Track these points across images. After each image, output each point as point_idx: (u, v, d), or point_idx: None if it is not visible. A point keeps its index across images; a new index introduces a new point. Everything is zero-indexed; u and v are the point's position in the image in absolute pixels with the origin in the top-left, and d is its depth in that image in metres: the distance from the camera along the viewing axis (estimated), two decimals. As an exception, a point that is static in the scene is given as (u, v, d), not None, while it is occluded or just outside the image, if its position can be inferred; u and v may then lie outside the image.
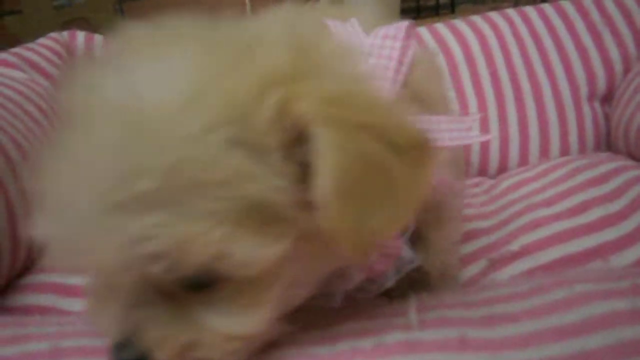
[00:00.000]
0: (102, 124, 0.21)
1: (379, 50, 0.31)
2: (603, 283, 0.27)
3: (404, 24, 0.31)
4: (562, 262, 0.37)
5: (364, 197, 0.21)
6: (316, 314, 0.28)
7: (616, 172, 0.44)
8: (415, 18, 1.05)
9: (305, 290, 0.26)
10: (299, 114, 0.20)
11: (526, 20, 0.58)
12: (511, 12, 0.60)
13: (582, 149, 0.54)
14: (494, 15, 0.60)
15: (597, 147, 0.54)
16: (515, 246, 0.40)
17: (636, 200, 0.40)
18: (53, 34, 0.60)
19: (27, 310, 0.39)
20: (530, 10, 0.59)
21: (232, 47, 0.23)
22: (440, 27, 0.60)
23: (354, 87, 0.24)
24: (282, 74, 0.22)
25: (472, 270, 0.39)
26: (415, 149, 0.22)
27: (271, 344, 0.25)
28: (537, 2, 1.13)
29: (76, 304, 0.39)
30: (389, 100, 0.28)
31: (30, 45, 0.57)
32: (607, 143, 0.55)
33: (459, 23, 0.60)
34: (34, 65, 0.55)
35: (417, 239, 0.32)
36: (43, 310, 0.39)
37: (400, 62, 0.30)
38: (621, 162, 0.46)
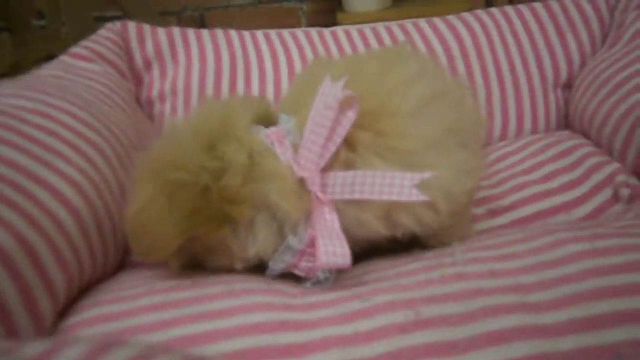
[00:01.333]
0: None
1: (321, 117, 0.39)
2: (573, 232, 0.42)
3: (338, 94, 0.38)
4: (539, 215, 0.52)
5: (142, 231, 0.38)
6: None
7: (575, 148, 0.60)
8: None
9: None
10: None
11: (508, 20, 0.71)
12: (496, 12, 0.73)
13: (548, 128, 0.69)
14: (482, 14, 0.73)
15: (559, 126, 0.70)
16: (506, 202, 0.54)
17: (589, 169, 0.56)
18: (109, 25, 0.68)
19: (151, 266, 0.50)
20: (510, 11, 0.72)
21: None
22: (438, 22, 0.73)
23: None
24: None
25: (476, 212, 0.53)
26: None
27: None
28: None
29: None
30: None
31: (94, 37, 0.65)
32: (565, 123, 0.70)
33: (454, 19, 0.73)
34: (102, 57, 0.62)
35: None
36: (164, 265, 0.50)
37: (332, 131, 0.38)
38: (578, 140, 0.62)
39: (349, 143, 0.40)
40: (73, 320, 0.37)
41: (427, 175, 0.38)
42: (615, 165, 0.56)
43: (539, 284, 0.36)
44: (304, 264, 0.41)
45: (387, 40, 0.72)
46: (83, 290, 0.41)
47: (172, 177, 0.36)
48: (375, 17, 1.06)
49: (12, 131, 0.41)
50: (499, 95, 0.69)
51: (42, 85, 0.48)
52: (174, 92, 0.68)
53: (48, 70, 0.55)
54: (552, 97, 0.69)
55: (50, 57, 1.02)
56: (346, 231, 0.41)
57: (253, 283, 0.39)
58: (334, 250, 0.38)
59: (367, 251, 0.44)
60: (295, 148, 0.40)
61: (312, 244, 0.40)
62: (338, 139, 0.39)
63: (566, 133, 0.66)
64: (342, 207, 0.40)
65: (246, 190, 0.38)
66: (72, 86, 0.52)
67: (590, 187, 0.54)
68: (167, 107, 0.68)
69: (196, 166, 0.37)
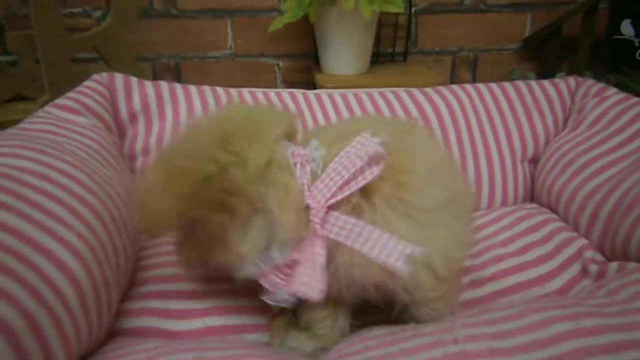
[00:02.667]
0: None
1: (349, 162, 0.41)
2: (557, 310, 0.45)
3: (372, 150, 0.41)
4: (517, 287, 0.55)
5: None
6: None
7: (545, 222, 0.65)
8: (375, 62, 1.23)
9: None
10: None
11: (480, 96, 0.77)
12: (469, 87, 0.78)
13: (515, 200, 0.74)
14: (456, 88, 0.78)
15: (525, 198, 0.75)
16: (486, 273, 0.57)
17: (559, 245, 0.60)
18: (96, 76, 0.67)
19: (140, 333, 0.47)
20: (482, 87, 0.78)
21: None
22: (417, 93, 0.77)
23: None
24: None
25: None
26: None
27: None
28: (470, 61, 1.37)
29: (179, 325, 0.49)
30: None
31: (80, 88, 0.63)
32: (531, 195, 0.76)
33: (431, 92, 0.77)
34: (89, 109, 0.61)
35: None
36: (151, 332, 0.48)
37: (353, 177, 0.40)
38: (547, 215, 0.67)
39: (365, 189, 0.41)
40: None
41: (418, 248, 0.40)
42: (583, 241, 0.60)
43: (536, 364, 0.38)
44: (272, 277, 0.43)
45: (369, 106, 0.76)
46: (76, 362, 0.39)
47: (177, 163, 0.39)
48: (352, 81, 1.12)
49: (12, 195, 0.39)
50: (472, 165, 0.73)
51: (36, 143, 0.46)
52: (160, 147, 0.67)
53: (37, 124, 0.53)
54: (520, 170, 0.74)
55: (21, 97, 0.99)
56: (338, 271, 0.42)
57: (260, 359, 0.39)
58: (311, 282, 0.40)
59: (362, 308, 0.45)
60: (314, 176, 0.42)
61: (290, 265, 0.42)
62: (354, 186, 0.40)
63: (534, 206, 0.71)
64: (346, 249, 0.41)
65: (249, 188, 0.40)
66: (65, 143, 0.51)
67: (560, 262, 0.59)
68: (151, 161, 0.67)
69: (205, 156, 0.39)
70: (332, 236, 0.41)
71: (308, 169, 0.42)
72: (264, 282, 0.43)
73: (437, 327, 0.44)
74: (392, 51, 1.29)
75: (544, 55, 1.36)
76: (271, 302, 0.44)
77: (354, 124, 0.49)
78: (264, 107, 0.47)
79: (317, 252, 0.40)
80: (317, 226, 0.40)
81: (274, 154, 0.41)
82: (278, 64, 1.34)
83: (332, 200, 0.41)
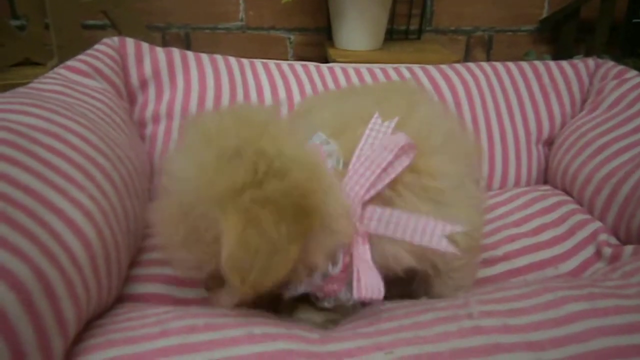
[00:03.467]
0: None
1: (376, 155, 0.40)
2: (572, 290, 0.44)
3: (401, 141, 0.40)
4: (530, 267, 0.55)
5: (250, 264, 0.34)
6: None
7: (559, 204, 0.64)
8: (389, 39, 1.21)
9: None
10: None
11: (497, 75, 0.75)
12: (486, 66, 0.76)
13: (529, 181, 0.73)
14: (473, 66, 0.76)
15: (538, 180, 0.74)
16: (499, 252, 0.57)
17: (573, 226, 0.60)
18: (107, 40, 0.66)
19: (149, 299, 0.47)
20: (499, 66, 0.76)
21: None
22: (432, 69, 0.76)
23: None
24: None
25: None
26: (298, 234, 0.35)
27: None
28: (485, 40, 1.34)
29: (188, 293, 0.48)
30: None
31: (91, 52, 0.62)
32: (544, 178, 0.74)
33: (447, 69, 0.76)
34: (100, 73, 0.60)
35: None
36: (160, 299, 0.48)
37: (384, 170, 0.39)
38: (561, 196, 0.66)
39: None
40: (84, 360, 0.35)
41: (458, 227, 0.40)
42: (597, 224, 0.60)
43: (551, 342, 0.37)
44: (329, 286, 0.41)
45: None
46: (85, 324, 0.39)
47: (249, 197, 0.34)
48: (365, 57, 1.10)
49: (23, 152, 0.38)
50: (486, 144, 0.72)
51: (48, 102, 0.45)
52: (170, 115, 0.66)
53: (47, 85, 0.52)
54: (534, 151, 0.73)
55: (29, 61, 0.98)
56: (375, 262, 0.41)
57: (272, 327, 0.39)
58: (371, 283, 0.39)
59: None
60: (336, 173, 0.40)
61: (344, 269, 0.41)
62: (387, 179, 0.40)
63: (548, 188, 0.70)
64: (375, 239, 0.41)
65: (313, 184, 0.36)
66: (76, 104, 0.50)
67: (574, 243, 0.58)
68: (161, 128, 0.66)
69: (259, 180, 0.35)
70: (371, 230, 0.40)
71: (329, 165, 0.40)
72: (319, 293, 0.42)
73: (451, 302, 0.43)
74: (407, 28, 1.27)
75: (561, 38, 1.33)
76: (336, 303, 0.43)
77: (355, 101, 0.47)
78: (245, 108, 0.44)
79: (361, 250, 0.40)
80: (357, 224, 0.40)
81: (311, 154, 0.38)
82: (289, 38, 1.32)
83: (367, 197, 0.40)
